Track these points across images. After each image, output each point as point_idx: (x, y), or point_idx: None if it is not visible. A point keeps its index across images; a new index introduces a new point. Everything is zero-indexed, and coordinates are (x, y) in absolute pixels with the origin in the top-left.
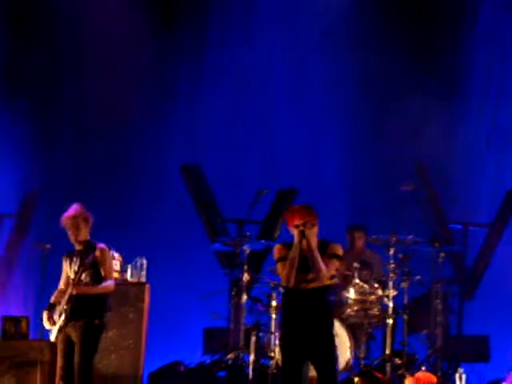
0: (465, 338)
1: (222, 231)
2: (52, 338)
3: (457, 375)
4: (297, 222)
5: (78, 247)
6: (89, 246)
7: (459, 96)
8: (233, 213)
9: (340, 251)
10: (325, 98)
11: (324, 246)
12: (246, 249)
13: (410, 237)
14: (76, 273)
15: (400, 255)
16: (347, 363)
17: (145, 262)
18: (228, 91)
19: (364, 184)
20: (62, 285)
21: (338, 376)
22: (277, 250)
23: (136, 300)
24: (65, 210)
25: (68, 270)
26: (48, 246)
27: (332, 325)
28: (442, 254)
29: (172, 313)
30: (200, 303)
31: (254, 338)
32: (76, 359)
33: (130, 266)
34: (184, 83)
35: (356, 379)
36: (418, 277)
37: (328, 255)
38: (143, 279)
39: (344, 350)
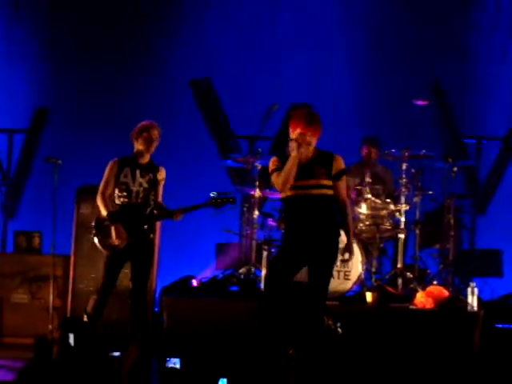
0: (477, 253)
1: (233, 147)
2: (105, 248)
3: (469, 289)
4: (295, 134)
5: (142, 160)
6: (153, 164)
7: (474, 7)
8: (244, 129)
9: (343, 164)
10: (338, 10)
11: (327, 158)
12: (258, 165)
13: (423, 151)
14: (148, 189)
15: (412, 170)
16: (359, 277)
17: None
18: (238, 3)
19: (377, 99)
20: (110, 191)
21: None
22: (272, 162)
23: None
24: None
25: (127, 179)
26: (59, 161)
27: (337, 232)
28: (455, 169)
29: (184, 228)
30: (212, 219)
31: (265, 253)
32: (141, 275)
33: None
34: None
35: (368, 293)
36: (430, 192)
37: (336, 173)
38: None
39: (356, 265)
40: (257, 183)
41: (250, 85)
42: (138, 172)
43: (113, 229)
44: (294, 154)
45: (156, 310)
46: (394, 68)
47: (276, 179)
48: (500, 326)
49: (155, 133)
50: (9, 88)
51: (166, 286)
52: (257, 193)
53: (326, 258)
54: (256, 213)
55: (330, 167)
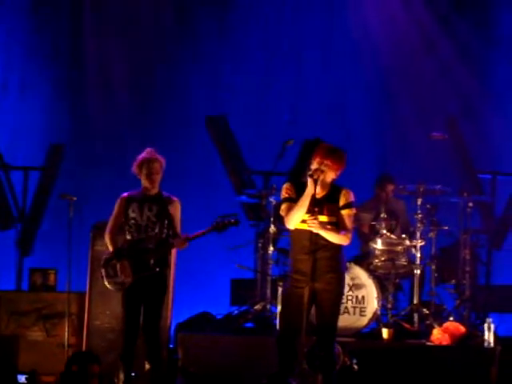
0: (493, 288)
1: (247, 183)
2: (115, 287)
3: (485, 325)
4: (313, 167)
5: (149, 193)
6: (162, 195)
7: (490, 40)
8: (259, 164)
9: (352, 198)
10: (353, 47)
11: (336, 192)
12: (273, 200)
13: (438, 187)
14: (155, 222)
15: (428, 205)
16: (374, 314)
17: None
18: (254, 41)
19: (391, 134)
20: (117, 227)
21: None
22: (285, 189)
23: None
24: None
25: (135, 215)
26: (74, 198)
27: (343, 267)
28: (471, 204)
29: (199, 264)
30: (227, 254)
31: (280, 289)
32: (153, 310)
33: None
34: (208, 34)
35: (384, 329)
36: (446, 227)
37: (344, 205)
38: None
39: (371, 301)
40: (271, 219)
41: (265, 120)
42: (145, 206)
43: (118, 266)
44: (308, 190)
45: (171, 346)
46: (407, 103)
47: (286, 211)
48: None
49: (156, 166)
50: (23, 125)
51: (181, 322)
52: (271, 228)
53: (330, 295)
54: (271, 248)
55: (339, 201)
